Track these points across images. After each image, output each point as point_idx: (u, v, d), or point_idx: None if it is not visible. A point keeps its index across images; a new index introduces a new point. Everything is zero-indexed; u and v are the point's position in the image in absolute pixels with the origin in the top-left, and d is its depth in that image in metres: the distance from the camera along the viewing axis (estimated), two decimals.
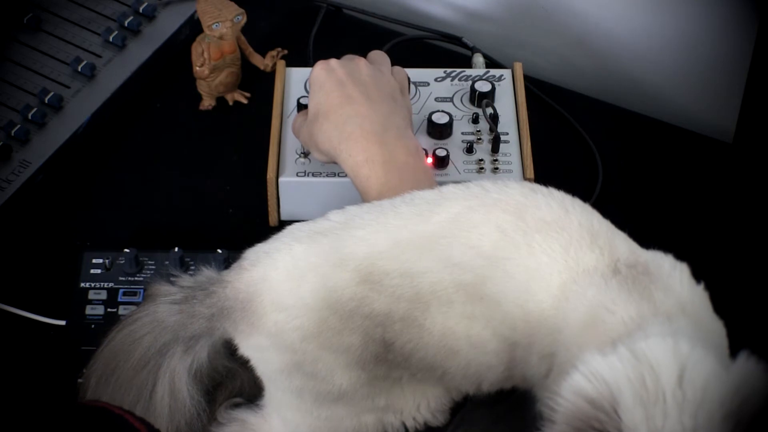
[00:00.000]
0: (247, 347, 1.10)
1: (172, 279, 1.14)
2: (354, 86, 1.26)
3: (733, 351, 1.02)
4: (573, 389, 0.92)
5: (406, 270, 1.05)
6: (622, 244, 1.05)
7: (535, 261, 1.03)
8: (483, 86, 1.43)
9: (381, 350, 1.06)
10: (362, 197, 1.23)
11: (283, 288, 1.07)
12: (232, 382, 1.18)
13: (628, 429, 0.90)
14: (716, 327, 1.03)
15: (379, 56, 1.34)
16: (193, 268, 1.31)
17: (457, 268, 1.05)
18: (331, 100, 1.26)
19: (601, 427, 0.90)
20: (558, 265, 1.03)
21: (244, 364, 1.13)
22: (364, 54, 1.34)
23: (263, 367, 1.11)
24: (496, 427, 1.15)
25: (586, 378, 0.92)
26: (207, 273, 1.12)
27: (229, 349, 1.13)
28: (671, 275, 1.03)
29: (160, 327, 1.10)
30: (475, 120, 1.41)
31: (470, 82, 1.44)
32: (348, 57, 1.32)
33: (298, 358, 1.07)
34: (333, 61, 1.30)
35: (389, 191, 1.19)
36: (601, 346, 0.96)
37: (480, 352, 1.06)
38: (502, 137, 1.39)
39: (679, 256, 1.06)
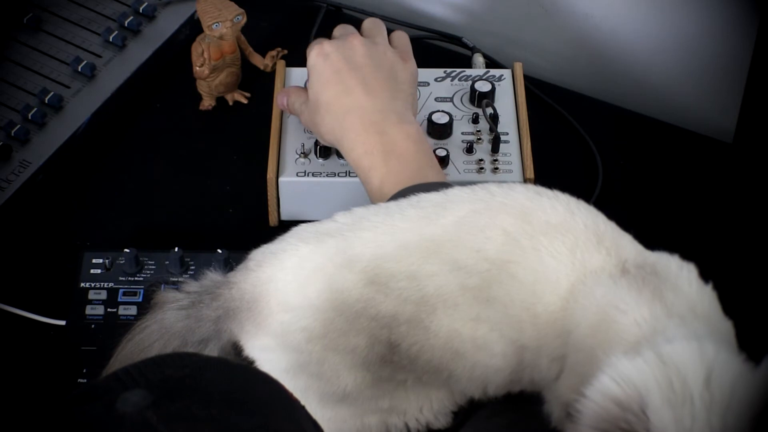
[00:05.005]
0: (252, 348, 1.10)
1: (173, 281, 1.13)
2: (350, 73, 1.26)
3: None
4: (600, 392, 0.93)
5: (413, 273, 1.05)
6: (628, 245, 1.05)
7: (541, 264, 1.04)
8: (483, 86, 1.43)
9: (386, 352, 1.06)
10: (365, 189, 1.24)
11: (289, 289, 1.07)
12: None
13: (656, 429, 0.90)
14: (725, 327, 1.03)
15: (374, 26, 1.34)
16: (193, 268, 1.31)
17: (463, 271, 1.05)
18: (330, 92, 1.27)
19: (629, 427, 0.91)
20: (565, 268, 1.03)
21: (251, 364, 1.12)
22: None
23: (268, 367, 1.10)
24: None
25: (613, 381, 0.93)
26: (212, 276, 1.11)
27: (238, 350, 1.13)
28: (679, 276, 1.03)
29: (169, 333, 1.10)
30: (475, 120, 1.41)
31: (470, 82, 1.44)
32: (342, 33, 1.32)
33: (304, 358, 1.07)
34: (327, 45, 1.29)
35: (390, 180, 1.20)
36: (616, 347, 0.96)
37: (486, 355, 1.06)
38: (502, 137, 1.39)
39: (680, 256, 1.07)
